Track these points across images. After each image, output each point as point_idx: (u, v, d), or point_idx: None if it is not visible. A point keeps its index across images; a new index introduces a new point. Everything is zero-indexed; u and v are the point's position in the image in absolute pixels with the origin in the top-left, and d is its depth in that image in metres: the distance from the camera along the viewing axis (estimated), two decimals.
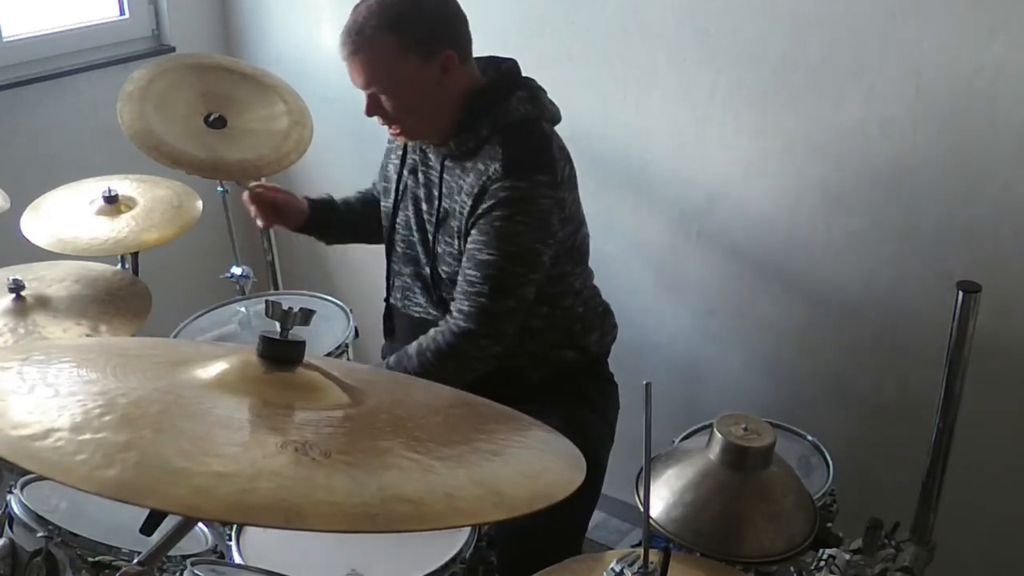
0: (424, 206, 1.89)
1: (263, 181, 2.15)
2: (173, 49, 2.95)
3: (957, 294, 1.52)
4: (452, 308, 1.79)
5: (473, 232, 1.75)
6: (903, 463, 1.95)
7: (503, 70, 1.84)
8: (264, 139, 2.42)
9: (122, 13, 2.94)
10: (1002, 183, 1.90)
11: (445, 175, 1.83)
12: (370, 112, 1.78)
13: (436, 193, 1.84)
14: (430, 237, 1.87)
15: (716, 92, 2.18)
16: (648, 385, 1.06)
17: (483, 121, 1.75)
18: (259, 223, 2.11)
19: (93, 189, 2.27)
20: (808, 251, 2.19)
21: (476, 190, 1.74)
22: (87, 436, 0.82)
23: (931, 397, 1.64)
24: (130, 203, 2.26)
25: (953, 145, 1.93)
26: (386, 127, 1.83)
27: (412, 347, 1.79)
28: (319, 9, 2.87)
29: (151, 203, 2.27)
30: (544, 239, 1.75)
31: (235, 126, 2.42)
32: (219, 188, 2.53)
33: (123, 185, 2.30)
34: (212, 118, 2.40)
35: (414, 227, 1.92)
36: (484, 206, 1.73)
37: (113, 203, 2.23)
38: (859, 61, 1.97)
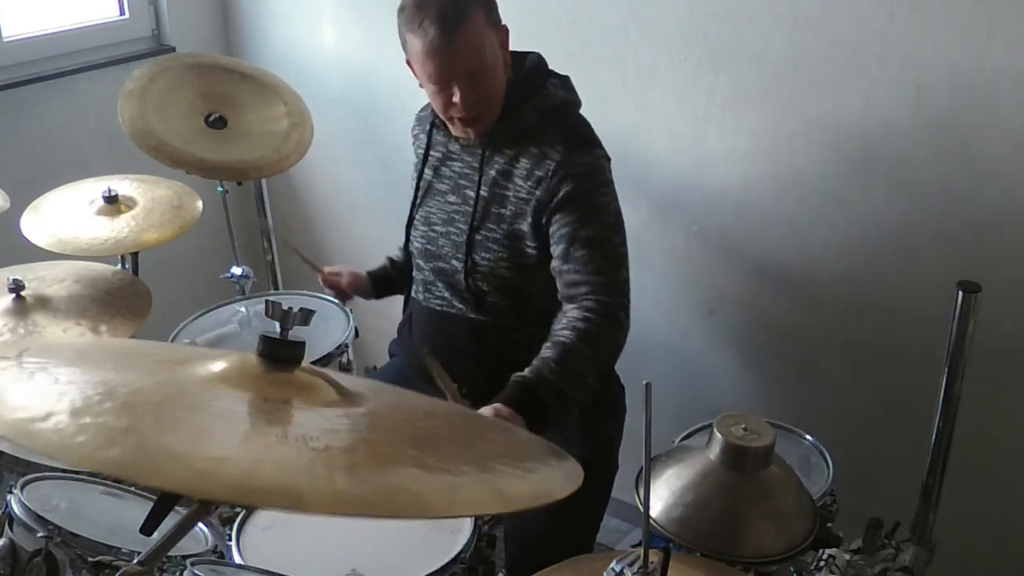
0: (452, 198, 1.89)
1: (335, 268, 2.26)
2: (173, 49, 2.95)
3: (957, 294, 1.52)
4: (576, 292, 1.72)
5: (558, 215, 1.74)
6: (903, 463, 1.95)
7: (533, 60, 1.87)
8: (264, 140, 2.42)
9: (122, 13, 2.94)
10: (1002, 183, 1.90)
11: (485, 166, 1.83)
12: (466, 103, 1.71)
13: (472, 183, 1.84)
14: (463, 228, 1.86)
15: (716, 92, 2.18)
16: (648, 385, 1.06)
17: (525, 107, 1.79)
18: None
19: (93, 189, 2.27)
20: (808, 251, 2.19)
21: (541, 173, 1.75)
22: (87, 420, 0.81)
23: (931, 397, 1.64)
24: (130, 203, 2.26)
25: (953, 145, 1.93)
26: (460, 124, 1.78)
27: (564, 340, 1.64)
28: (320, 9, 2.87)
29: (151, 203, 2.27)
30: (618, 205, 1.80)
31: (235, 126, 2.42)
32: (219, 188, 2.53)
33: (123, 185, 2.30)
34: (212, 118, 2.40)
35: (436, 222, 1.92)
36: (565, 189, 1.73)
37: (113, 203, 2.22)
38: (859, 61, 1.97)
